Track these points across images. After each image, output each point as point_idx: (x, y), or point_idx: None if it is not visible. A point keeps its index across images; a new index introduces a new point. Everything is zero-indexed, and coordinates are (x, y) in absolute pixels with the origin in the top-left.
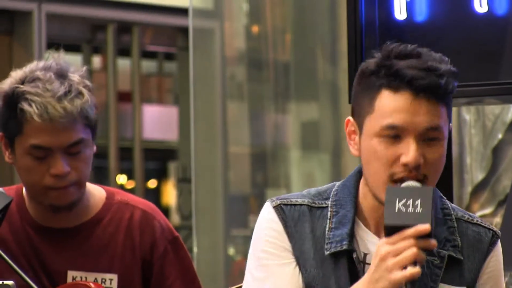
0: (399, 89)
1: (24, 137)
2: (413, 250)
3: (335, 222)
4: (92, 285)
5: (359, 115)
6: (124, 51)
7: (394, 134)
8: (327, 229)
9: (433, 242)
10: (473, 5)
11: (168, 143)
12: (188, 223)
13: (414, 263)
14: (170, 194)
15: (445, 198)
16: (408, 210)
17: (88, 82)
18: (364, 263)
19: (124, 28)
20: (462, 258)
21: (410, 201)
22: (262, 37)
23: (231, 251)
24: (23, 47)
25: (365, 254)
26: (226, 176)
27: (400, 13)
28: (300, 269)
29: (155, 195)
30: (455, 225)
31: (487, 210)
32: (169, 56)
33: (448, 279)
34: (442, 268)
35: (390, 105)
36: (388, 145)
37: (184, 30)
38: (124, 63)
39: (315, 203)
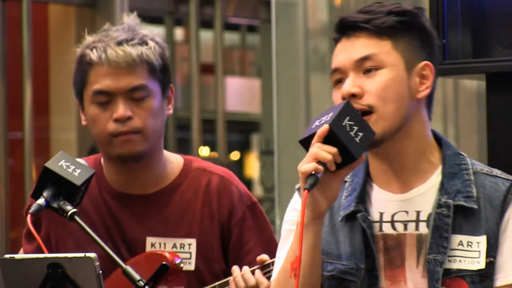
0: None
1: (89, 86)
2: (313, 149)
3: (349, 190)
4: (167, 254)
5: None
6: (206, 24)
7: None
8: (342, 197)
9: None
10: None
11: (251, 116)
12: (271, 195)
13: (323, 164)
14: (253, 167)
15: (464, 155)
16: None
17: (159, 39)
18: (381, 221)
19: (207, 0)
20: (476, 207)
21: (323, 117)
22: (345, 9)
23: None
24: (106, 20)
25: (381, 213)
26: None
27: None
28: None
29: (237, 167)
30: (472, 178)
31: None
32: (251, 29)
33: (462, 229)
34: (450, 217)
35: None
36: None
37: (266, 3)
38: (206, 36)
39: None
